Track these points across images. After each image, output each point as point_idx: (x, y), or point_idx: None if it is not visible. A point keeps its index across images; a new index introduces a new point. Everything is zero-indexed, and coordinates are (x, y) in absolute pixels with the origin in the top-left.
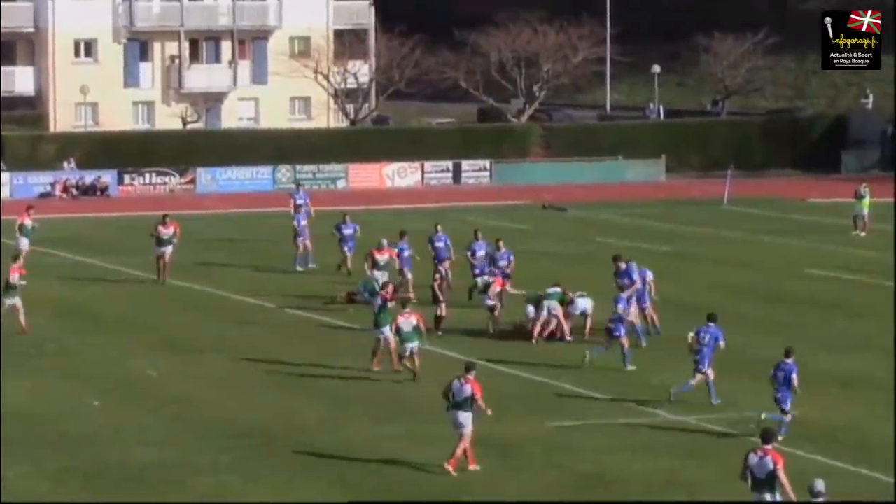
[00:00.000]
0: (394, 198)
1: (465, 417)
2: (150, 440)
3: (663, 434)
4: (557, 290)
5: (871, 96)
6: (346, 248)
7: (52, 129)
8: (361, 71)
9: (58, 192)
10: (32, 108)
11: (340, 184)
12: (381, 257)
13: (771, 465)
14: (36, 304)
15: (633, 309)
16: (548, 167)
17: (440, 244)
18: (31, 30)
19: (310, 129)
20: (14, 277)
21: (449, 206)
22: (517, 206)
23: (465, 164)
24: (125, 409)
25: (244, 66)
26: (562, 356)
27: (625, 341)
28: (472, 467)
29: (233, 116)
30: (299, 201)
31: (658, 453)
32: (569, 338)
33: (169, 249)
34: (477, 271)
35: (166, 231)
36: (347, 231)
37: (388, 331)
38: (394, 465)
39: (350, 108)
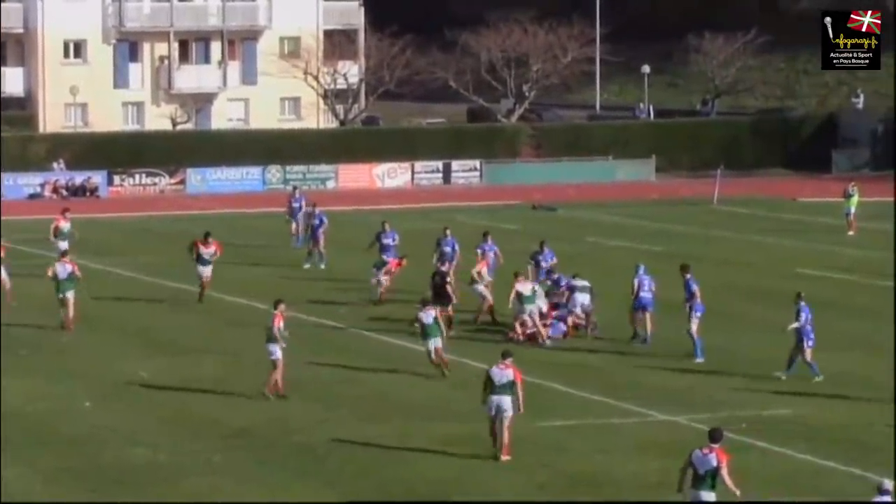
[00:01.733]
0: (384, 198)
1: (507, 402)
2: (142, 441)
3: (655, 434)
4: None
5: (861, 95)
6: (387, 259)
7: (41, 129)
8: (351, 71)
9: (48, 192)
10: (22, 108)
11: (330, 184)
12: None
13: (714, 463)
14: (27, 304)
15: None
16: (538, 167)
17: (447, 248)
18: (21, 30)
19: (300, 129)
20: (66, 269)
21: (439, 206)
22: (507, 206)
23: (455, 165)
24: (118, 410)
25: (234, 67)
26: (553, 356)
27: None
28: (504, 458)
29: (222, 117)
30: (295, 204)
31: (650, 453)
32: (547, 341)
33: (209, 270)
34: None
35: (208, 250)
36: (387, 241)
37: (434, 343)
38: (388, 465)
39: (340, 108)
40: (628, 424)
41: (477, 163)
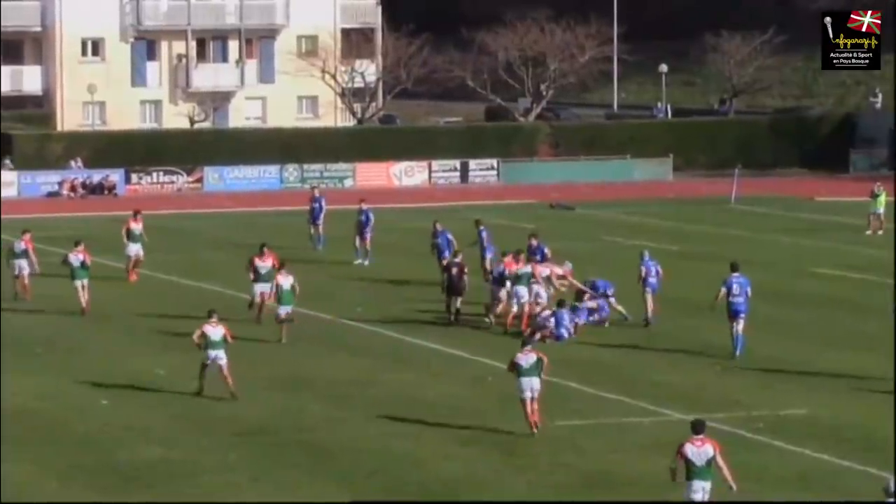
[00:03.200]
0: (401, 197)
1: (537, 382)
2: (156, 438)
3: (670, 433)
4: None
5: (879, 95)
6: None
7: (59, 128)
8: (369, 70)
9: (65, 191)
10: (40, 107)
11: (348, 183)
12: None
13: (711, 452)
14: (43, 302)
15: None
16: (555, 166)
17: (440, 240)
18: (39, 29)
19: (317, 128)
20: (78, 258)
21: (456, 205)
22: (524, 205)
23: (473, 164)
24: (132, 408)
25: (251, 66)
26: (566, 353)
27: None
28: (535, 420)
29: (240, 115)
30: (315, 204)
31: (665, 452)
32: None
33: (268, 287)
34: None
35: (264, 264)
36: (440, 240)
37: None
38: (400, 464)
39: (357, 107)
40: (644, 423)
41: (494, 162)
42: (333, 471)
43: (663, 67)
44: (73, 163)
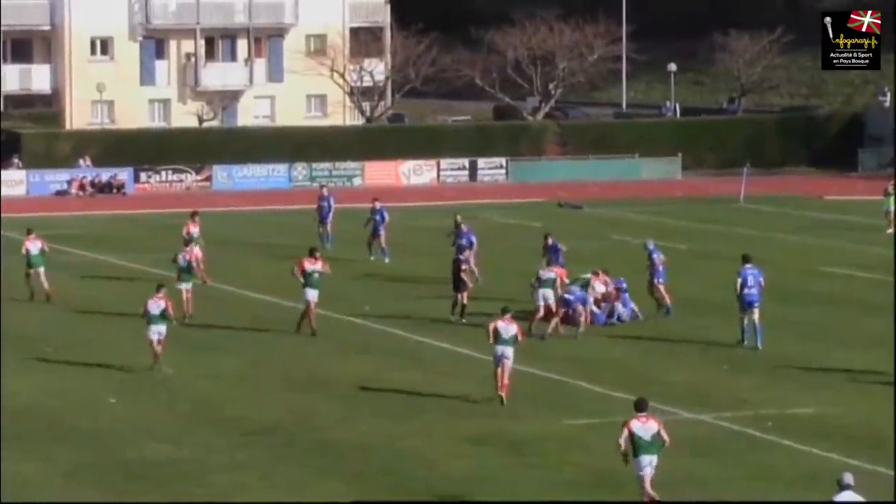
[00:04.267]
0: (410, 196)
1: (510, 351)
2: (165, 437)
3: (679, 432)
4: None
5: (888, 94)
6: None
7: (68, 126)
8: (377, 69)
9: (74, 189)
10: (49, 105)
11: (356, 181)
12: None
13: (656, 427)
14: (52, 300)
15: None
16: (564, 165)
17: (463, 241)
18: (48, 28)
19: (326, 126)
20: (37, 246)
21: (465, 203)
22: (533, 203)
23: (482, 162)
24: (141, 406)
25: (260, 64)
26: (575, 352)
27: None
28: (503, 393)
29: (249, 114)
30: (323, 203)
31: (673, 451)
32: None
33: (316, 294)
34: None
35: (314, 266)
36: (463, 241)
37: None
38: (410, 463)
39: (366, 105)
40: None
41: (503, 160)
42: (342, 470)
43: (672, 66)
44: (81, 161)
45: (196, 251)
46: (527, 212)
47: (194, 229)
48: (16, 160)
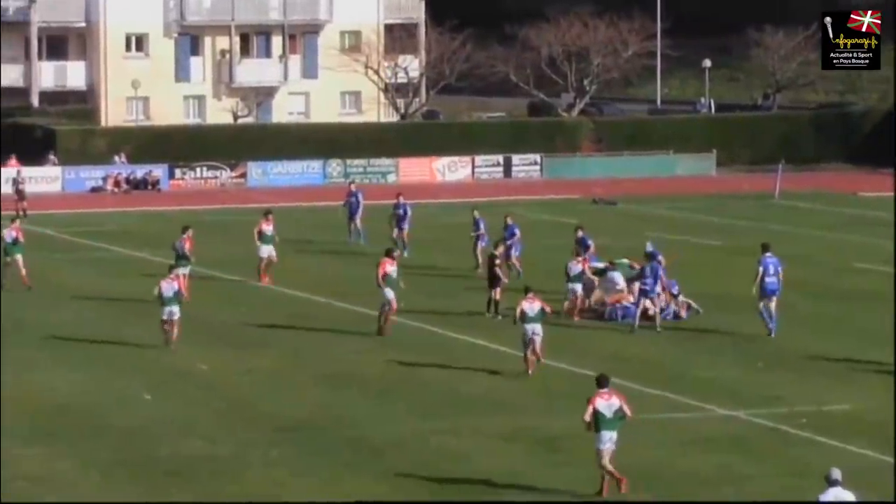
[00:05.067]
0: (444, 192)
1: (539, 327)
2: (199, 433)
3: (713, 429)
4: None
5: None
6: (516, 254)
7: (103, 123)
8: (412, 65)
9: (109, 186)
10: (84, 102)
11: (391, 178)
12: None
13: (618, 403)
14: (87, 297)
15: None
16: (598, 161)
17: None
18: (83, 24)
19: (360, 123)
20: (11, 234)
21: (499, 200)
22: (567, 200)
23: (516, 159)
24: (175, 403)
25: (295, 61)
26: (610, 348)
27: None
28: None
29: (283, 111)
30: (352, 198)
31: (708, 448)
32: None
33: (393, 294)
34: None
35: (393, 267)
36: (514, 244)
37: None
38: (442, 459)
39: (400, 102)
40: (687, 419)
41: (537, 157)
42: (376, 466)
43: (706, 63)
44: (116, 158)
45: (269, 250)
46: (561, 208)
47: (267, 228)
48: (51, 157)
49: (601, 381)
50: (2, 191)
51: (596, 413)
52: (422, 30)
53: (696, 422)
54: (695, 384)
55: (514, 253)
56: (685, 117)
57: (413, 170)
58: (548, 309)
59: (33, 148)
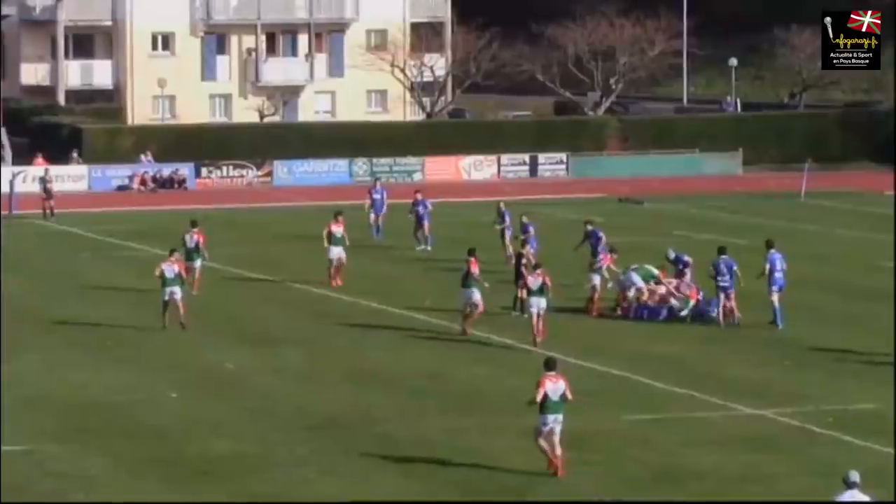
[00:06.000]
0: (470, 191)
1: (543, 301)
2: (227, 432)
3: (739, 428)
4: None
5: None
6: (532, 251)
7: (129, 122)
8: (438, 64)
9: (135, 185)
10: (110, 101)
11: (417, 177)
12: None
13: (563, 387)
14: (114, 296)
15: None
16: (624, 160)
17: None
18: (109, 23)
19: (386, 122)
20: (173, 270)
21: (525, 199)
22: (594, 199)
23: (542, 158)
24: (202, 401)
25: (321, 60)
26: (637, 348)
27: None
28: (540, 338)
29: (309, 109)
30: (376, 196)
31: (734, 447)
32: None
33: (478, 294)
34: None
35: (475, 270)
36: (530, 240)
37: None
38: (470, 458)
39: (426, 101)
40: (713, 418)
41: (563, 156)
42: (403, 464)
43: (733, 61)
44: (143, 157)
45: (338, 252)
46: (587, 207)
47: (337, 229)
48: (74, 155)
49: (549, 364)
50: (29, 190)
51: (545, 395)
52: (448, 28)
53: (722, 421)
54: (721, 383)
55: (531, 249)
56: (711, 116)
57: (439, 168)
58: (547, 280)
59: (60, 146)
